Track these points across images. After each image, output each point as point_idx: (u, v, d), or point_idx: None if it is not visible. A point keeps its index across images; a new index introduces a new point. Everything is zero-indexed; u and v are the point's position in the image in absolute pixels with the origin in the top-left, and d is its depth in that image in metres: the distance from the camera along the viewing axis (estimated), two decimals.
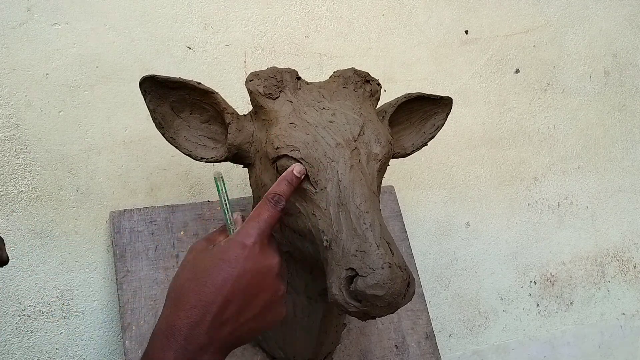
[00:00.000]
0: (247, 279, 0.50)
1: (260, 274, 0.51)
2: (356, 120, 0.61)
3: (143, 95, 0.63)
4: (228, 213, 0.60)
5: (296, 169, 0.57)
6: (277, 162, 0.60)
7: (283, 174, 0.57)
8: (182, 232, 0.81)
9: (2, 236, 0.55)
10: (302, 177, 0.57)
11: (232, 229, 0.58)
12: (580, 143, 1.25)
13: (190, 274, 0.51)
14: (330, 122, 0.60)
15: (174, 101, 0.65)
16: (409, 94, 0.72)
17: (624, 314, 1.28)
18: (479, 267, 1.13)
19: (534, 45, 1.20)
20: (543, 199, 1.20)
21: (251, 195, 0.70)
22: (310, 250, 0.60)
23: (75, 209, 0.82)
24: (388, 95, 0.94)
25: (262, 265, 0.51)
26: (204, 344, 0.48)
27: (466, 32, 1.13)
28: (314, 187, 0.58)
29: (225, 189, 0.61)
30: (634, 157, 1.32)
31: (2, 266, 0.54)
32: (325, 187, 0.57)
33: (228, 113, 0.64)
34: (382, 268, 0.52)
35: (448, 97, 0.76)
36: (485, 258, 1.13)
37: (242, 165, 0.68)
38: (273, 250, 0.54)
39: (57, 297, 0.80)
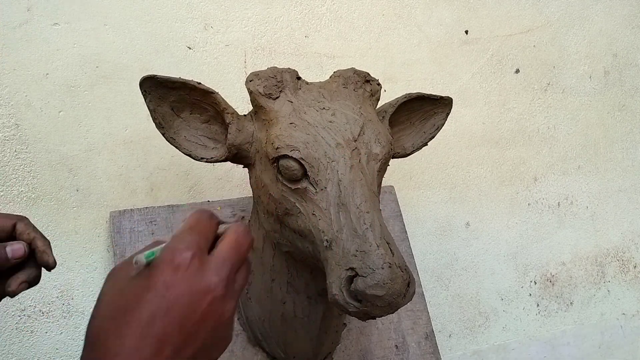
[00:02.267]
0: (180, 308, 0.38)
1: (198, 300, 0.39)
2: (356, 120, 0.61)
3: (143, 95, 0.63)
4: None
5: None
6: (278, 162, 0.59)
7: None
8: None
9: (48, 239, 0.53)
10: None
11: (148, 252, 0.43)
12: (580, 143, 1.25)
13: (108, 310, 0.39)
14: (331, 122, 0.60)
15: (174, 101, 0.65)
16: (409, 94, 0.72)
17: (624, 314, 1.28)
18: (479, 267, 1.13)
19: (534, 45, 1.20)
20: (543, 199, 1.20)
21: (251, 195, 0.70)
22: (310, 250, 0.60)
23: (75, 209, 0.82)
24: (388, 95, 0.94)
25: (199, 287, 0.39)
26: None
27: (466, 32, 1.13)
28: (314, 187, 0.58)
29: None
30: (634, 157, 1.32)
31: (49, 270, 0.52)
32: (326, 187, 0.57)
33: (228, 113, 0.64)
34: (382, 268, 0.52)
35: (448, 97, 0.76)
36: (485, 258, 1.13)
37: (242, 165, 0.68)
38: (215, 265, 0.40)
39: (57, 297, 0.80)
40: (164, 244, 0.41)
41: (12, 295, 0.50)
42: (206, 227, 0.42)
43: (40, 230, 0.76)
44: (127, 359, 0.37)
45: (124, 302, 0.39)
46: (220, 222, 0.44)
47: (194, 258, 0.39)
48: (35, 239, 0.52)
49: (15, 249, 0.50)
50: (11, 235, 0.52)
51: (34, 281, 0.52)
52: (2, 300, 0.71)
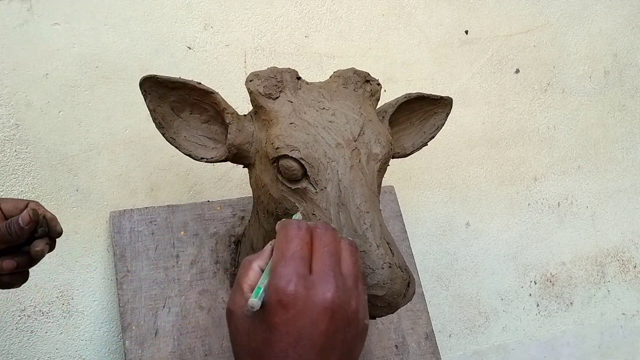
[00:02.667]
0: (308, 336, 0.41)
1: (319, 321, 0.41)
2: (356, 120, 0.61)
3: (143, 96, 0.63)
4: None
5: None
6: (278, 162, 0.59)
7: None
8: (182, 232, 0.81)
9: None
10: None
11: (256, 290, 0.43)
12: (580, 143, 1.25)
13: (246, 352, 0.43)
14: (330, 122, 0.60)
15: (174, 101, 0.65)
16: (409, 94, 0.72)
17: (624, 314, 1.28)
18: (479, 267, 1.13)
19: (534, 45, 1.20)
20: (543, 199, 1.20)
21: (251, 195, 0.70)
22: None
23: (75, 209, 0.82)
24: (388, 95, 0.94)
25: (315, 313, 0.41)
26: None
27: (466, 32, 1.13)
28: (314, 187, 0.58)
29: None
30: (634, 157, 1.32)
31: (56, 237, 0.59)
32: (325, 187, 0.57)
33: (228, 113, 0.64)
34: (382, 268, 0.52)
35: (448, 97, 0.76)
36: (485, 258, 1.13)
37: (242, 166, 0.68)
38: (319, 279, 0.42)
39: (57, 297, 0.80)
40: (267, 279, 0.42)
41: (39, 255, 0.57)
42: (297, 246, 0.43)
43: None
44: None
45: (255, 344, 0.42)
46: (309, 227, 0.45)
47: (297, 290, 0.41)
48: (44, 211, 0.59)
49: (23, 215, 0.56)
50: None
51: (52, 246, 0.59)
52: (2, 300, 0.72)
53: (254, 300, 0.41)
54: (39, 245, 0.57)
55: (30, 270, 0.79)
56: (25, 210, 0.56)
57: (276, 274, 0.42)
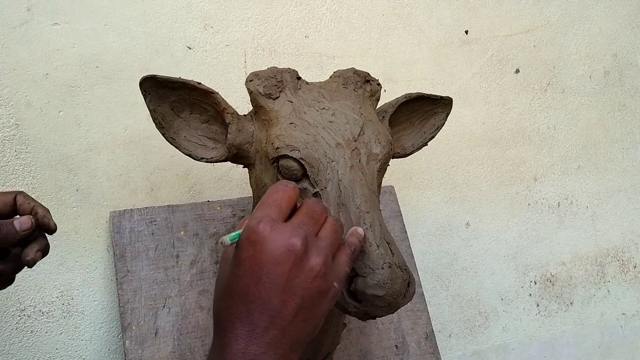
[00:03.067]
0: (267, 274, 0.44)
1: (280, 262, 0.44)
2: (356, 120, 0.61)
3: (143, 95, 0.63)
4: None
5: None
6: (278, 162, 0.59)
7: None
8: (182, 232, 0.81)
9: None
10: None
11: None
12: (580, 143, 1.25)
13: (219, 291, 0.47)
14: (331, 122, 0.60)
15: (174, 101, 0.65)
16: (409, 94, 0.72)
17: (624, 314, 1.28)
18: (479, 267, 1.13)
19: (534, 45, 1.20)
20: (543, 199, 1.20)
21: (251, 195, 0.70)
22: None
23: (75, 209, 0.82)
24: (388, 95, 0.94)
25: (278, 253, 0.44)
26: (255, 355, 0.44)
27: (466, 32, 1.13)
28: (314, 187, 0.58)
29: None
30: (634, 157, 1.32)
31: (50, 234, 0.56)
32: (325, 187, 0.57)
33: (228, 113, 0.64)
34: (382, 268, 0.52)
35: (448, 97, 0.76)
36: (485, 258, 1.13)
37: (242, 166, 0.68)
38: (290, 228, 0.46)
39: (57, 297, 0.80)
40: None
41: (31, 264, 0.53)
42: (278, 198, 0.48)
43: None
44: (238, 322, 0.44)
45: (226, 281, 0.46)
46: (295, 187, 0.50)
47: (264, 229, 0.45)
48: (35, 207, 0.55)
49: (23, 221, 0.53)
50: (13, 209, 0.55)
51: (45, 250, 0.56)
52: (2, 300, 0.71)
53: (224, 238, 0.45)
54: (30, 253, 0.53)
55: (30, 270, 0.79)
56: (27, 216, 0.53)
57: (252, 216, 0.47)
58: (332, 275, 0.47)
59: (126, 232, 0.79)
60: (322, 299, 0.47)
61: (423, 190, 1.08)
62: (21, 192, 0.56)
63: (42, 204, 0.74)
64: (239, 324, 0.44)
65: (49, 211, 0.56)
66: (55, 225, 0.56)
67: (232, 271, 0.46)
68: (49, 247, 0.56)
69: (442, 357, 0.92)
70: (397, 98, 0.72)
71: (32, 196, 0.79)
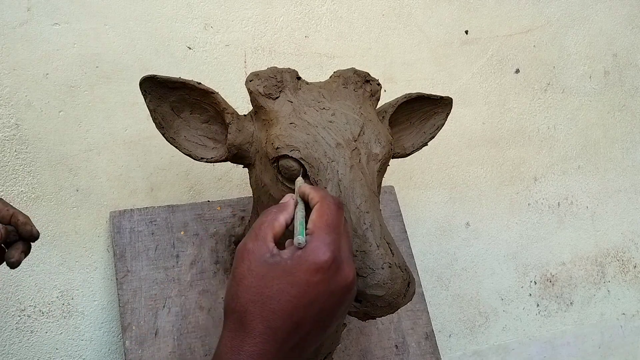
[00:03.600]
0: (320, 304, 0.44)
1: (335, 295, 0.45)
2: (356, 120, 0.61)
3: (143, 96, 0.63)
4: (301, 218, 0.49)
5: None
6: (278, 162, 0.59)
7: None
8: (182, 232, 0.81)
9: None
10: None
11: (301, 230, 0.47)
12: (580, 143, 1.25)
13: (253, 295, 0.45)
14: (330, 122, 0.60)
15: (174, 101, 0.65)
16: (409, 94, 0.72)
17: (624, 314, 1.28)
18: (479, 267, 1.13)
19: (534, 45, 1.20)
20: (543, 199, 1.20)
21: (251, 195, 0.70)
22: None
23: (75, 209, 0.82)
24: (388, 95, 0.94)
25: (337, 287, 0.45)
26: None
27: (466, 32, 1.13)
28: None
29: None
30: (634, 157, 1.32)
31: (34, 241, 0.55)
32: (325, 187, 0.57)
33: (228, 113, 0.64)
34: (382, 268, 0.52)
35: (448, 97, 0.76)
36: (485, 258, 1.13)
37: (242, 165, 0.68)
38: (349, 261, 0.46)
39: (57, 297, 0.80)
40: (308, 233, 0.46)
41: (15, 265, 0.53)
42: (339, 223, 0.47)
43: (40, 230, 0.76)
44: (270, 337, 0.43)
45: (268, 291, 0.44)
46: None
47: (333, 263, 0.44)
48: (14, 214, 0.54)
49: None
50: None
51: (27, 250, 0.55)
52: (2, 300, 0.71)
53: (300, 238, 0.45)
54: (14, 254, 0.53)
55: (30, 270, 0.79)
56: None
57: (319, 236, 0.45)
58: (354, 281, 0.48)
59: (126, 232, 0.79)
60: (346, 306, 0.48)
61: (423, 190, 1.08)
62: (1, 200, 0.55)
63: (42, 204, 0.74)
64: (269, 338, 0.44)
65: (29, 218, 0.55)
66: (38, 232, 0.55)
67: (281, 287, 0.44)
68: (30, 248, 0.56)
69: (442, 357, 0.92)
70: (397, 98, 0.72)
71: (32, 196, 0.79)
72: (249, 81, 0.64)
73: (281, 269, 0.44)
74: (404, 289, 0.53)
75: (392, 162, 0.67)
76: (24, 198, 0.79)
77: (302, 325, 0.44)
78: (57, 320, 0.80)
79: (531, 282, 1.18)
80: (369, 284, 0.52)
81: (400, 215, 0.96)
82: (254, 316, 0.44)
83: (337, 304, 0.46)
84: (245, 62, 0.94)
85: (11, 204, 0.78)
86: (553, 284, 1.20)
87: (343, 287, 0.45)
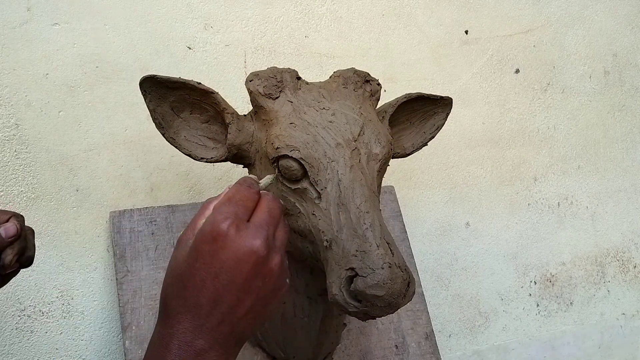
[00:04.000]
0: (227, 272, 0.44)
1: (243, 262, 0.44)
2: (356, 120, 0.61)
3: (143, 96, 0.63)
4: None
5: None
6: (278, 162, 0.59)
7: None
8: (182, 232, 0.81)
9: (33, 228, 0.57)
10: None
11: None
12: (580, 143, 1.25)
13: (170, 279, 0.46)
14: (330, 122, 0.60)
15: (174, 101, 0.65)
16: (409, 94, 0.72)
17: (624, 314, 1.28)
18: (479, 267, 1.13)
19: (534, 45, 1.20)
20: (543, 199, 1.20)
21: None
22: (310, 250, 0.60)
23: (75, 209, 0.82)
24: (388, 95, 0.94)
25: (241, 252, 0.44)
26: (204, 349, 0.44)
27: (466, 32, 1.13)
28: (314, 187, 0.58)
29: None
30: (634, 157, 1.32)
31: (27, 265, 0.56)
32: (325, 187, 0.57)
33: (228, 113, 0.64)
34: (382, 268, 0.52)
35: (448, 97, 0.76)
36: (485, 258, 1.13)
37: (242, 165, 0.68)
38: (254, 229, 0.46)
39: (57, 297, 0.80)
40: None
41: (5, 269, 0.53)
42: (244, 197, 0.48)
43: (40, 230, 0.77)
44: (187, 315, 0.44)
45: (180, 269, 0.45)
46: (259, 191, 0.50)
47: (231, 227, 0.45)
48: (12, 217, 0.55)
49: (7, 227, 0.53)
50: None
51: (26, 261, 0.56)
52: (2, 300, 0.71)
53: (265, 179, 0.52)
54: (7, 257, 0.53)
55: (30, 270, 0.79)
56: (13, 223, 0.53)
57: (217, 210, 0.46)
58: (285, 273, 0.48)
59: (126, 232, 0.79)
60: (275, 297, 0.48)
61: (423, 190, 1.08)
62: (18, 215, 0.56)
63: (42, 204, 0.74)
64: (189, 316, 0.44)
65: (33, 232, 0.56)
66: (33, 254, 0.56)
67: (189, 262, 0.45)
68: (32, 259, 0.57)
69: (442, 357, 0.92)
70: (397, 98, 0.72)
71: (32, 196, 0.79)
72: (249, 81, 0.64)
73: (190, 247, 0.46)
74: (404, 289, 0.53)
75: (392, 162, 0.67)
76: (24, 198, 0.79)
77: (220, 297, 0.44)
78: (57, 320, 0.80)
79: (531, 282, 1.18)
80: (369, 284, 0.52)
81: (400, 215, 0.96)
82: (172, 297, 0.45)
83: (249, 274, 0.45)
84: (245, 62, 0.94)
85: (11, 204, 0.78)
86: (553, 284, 1.20)
87: (247, 252, 0.44)
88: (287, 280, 0.49)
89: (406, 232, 0.96)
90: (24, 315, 0.78)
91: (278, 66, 0.65)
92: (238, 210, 0.46)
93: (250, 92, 0.64)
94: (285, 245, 0.50)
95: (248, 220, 0.47)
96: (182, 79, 0.63)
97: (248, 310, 0.46)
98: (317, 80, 0.68)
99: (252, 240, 0.45)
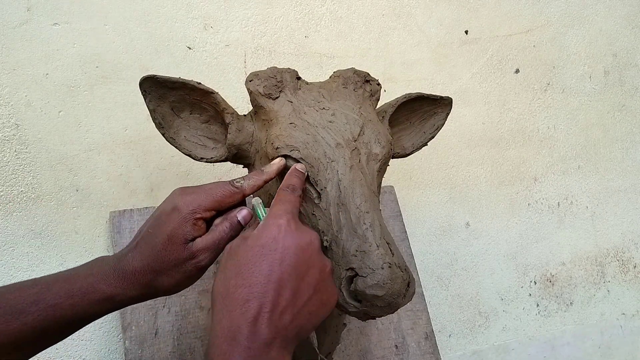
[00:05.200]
0: (291, 257, 0.47)
1: (303, 250, 0.48)
2: (356, 120, 0.61)
3: (143, 96, 0.63)
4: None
5: (298, 165, 0.57)
6: None
7: (289, 170, 0.57)
8: None
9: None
10: (305, 173, 0.57)
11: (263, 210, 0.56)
12: (580, 143, 1.25)
13: (232, 272, 0.48)
14: (330, 122, 0.60)
15: (174, 101, 0.65)
16: (408, 94, 0.72)
17: (624, 314, 1.28)
18: (479, 267, 1.13)
19: (534, 45, 1.20)
20: (543, 199, 1.20)
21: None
22: None
23: (75, 209, 0.82)
24: (388, 95, 0.94)
25: (302, 241, 0.49)
26: (268, 339, 0.45)
27: (466, 32, 1.13)
28: (314, 187, 0.58)
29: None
30: (634, 157, 1.32)
31: None
32: (325, 187, 0.57)
33: (228, 113, 0.64)
34: (382, 268, 0.52)
35: (448, 97, 0.76)
36: (485, 258, 1.13)
37: (242, 165, 0.68)
38: (307, 227, 0.51)
39: None
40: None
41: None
42: (292, 199, 0.53)
43: (40, 230, 0.76)
44: (256, 302, 0.45)
45: (245, 259, 0.48)
46: (300, 195, 0.55)
47: (290, 221, 0.50)
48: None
49: (245, 215, 0.56)
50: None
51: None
52: None
53: (256, 200, 0.56)
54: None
55: (30, 270, 0.79)
56: (247, 209, 0.57)
57: (273, 210, 0.52)
58: (331, 267, 0.51)
59: (126, 232, 0.79)
60: (328, 298, 0.50)
61: (423, 190, 1.08)
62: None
63: (42, 204, 0.74)
64: (256, 303, 0.45)
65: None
66: None
67: (253, 252, 0.48)
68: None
69: (442, 357, 0.92)
70: (397, 98, 0.72)
71: (32, 196, 0.79)
72: (248, 81, 0.64)
73: (251, 240, 0.49)
74: (403, 289, 0.53)
75: (392, 162, 0.67)
76: (24, 198, 0.79)
77: (285, 283, 0.46)
78: None
79: (531, 282, 1.18)
80: (369, 284, 0.52)
81: (400, 215, 0.96)
82: (235, 287, 0.47)
83: (308, 261, 0.48)
84: (245, 62, 0.94)
85: (11, 204, 0.78)
86: (553, 284, 1.20)
87: (308, 242, 0.49)
88: (337, 293, 0.52)
89: (406, 232, 0.96)
90: None
91: (278, 66, 0.65)
92: (292, 209, 0.52)
93: (250, 92, 0.64)
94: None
95: None
96: (182, 79, 0.63)
97: (306, 301, 0.48)
98: (317, 80, 0.68)
99: (309, 233, 0.50)
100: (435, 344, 0.90)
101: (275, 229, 0.49)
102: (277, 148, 0.59)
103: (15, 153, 0.79)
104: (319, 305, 0.49)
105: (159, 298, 0.77)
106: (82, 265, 0.55)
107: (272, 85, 0.63)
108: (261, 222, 0.51)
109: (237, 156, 0.66)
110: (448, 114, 0.77)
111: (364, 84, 0.66)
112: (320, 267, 0.49)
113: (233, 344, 0.44)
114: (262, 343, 0.44)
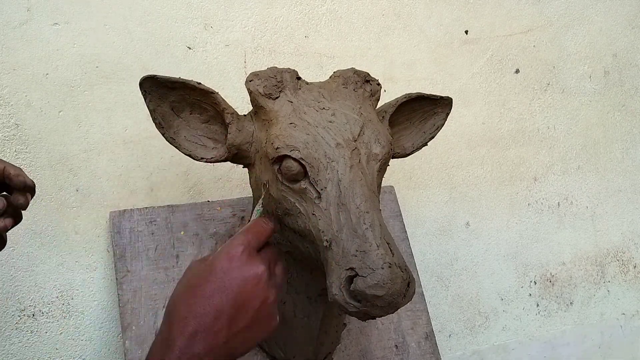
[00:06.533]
0: (233, 288, 0.52)
1: (247, 282, 0.52)
2: (356, 120, 0.61)
3: (143, 96, 0.63)
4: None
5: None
6: (279, 163, 0.59)
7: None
8: (182, 232, 0.81)
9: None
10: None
11: None
12: (580, 143, 1.25)
13: (182, 288, 0.53)
14: (330, 122, 0.60)
15: (174, 101, 0.65)
16: (409, 94, 0.72)
17: (624, 314, 1.28)
18: (479, 267, 1.13)
19: (534, 45, 1.20)
20: (543, 199, 1.20)
21: (251, 195, 0.70)
22: (310, 250, 0.60)
23: (75, 209, 0.82)
24: (388, 95, 0.94)
25: (248, 273, 0.53)
26: (201, 353, 0.49)
27: (466, 32, 1.13)
28: (314, 187, 0.58)
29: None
30: (634, 157, 1.32)
31: (33, 192, 0.56)
32: (325, 187, 0.57)
33: (228, 113, 0.64)
34: (382, 268, 0.52)
35: (448, 97, 0.76)
36: (485, 258, 1.13)
37: (242, 165, 0.68)
38: (260, 259, 0.54)
39: (57, 297, 0.80)
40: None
41: (24, 207, 0.56)
42: (260, 231, 0.57)
43: (40, 230, 0.77)
44: (194, 320, 0.50)
45: (193, 280, 0.53)
46: (273, 228, 0.59)
47: (244, 252, 0.54)
48: (5, 167, 0.55)
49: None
50: None
51: (18, 217, 0.57)
52: (2, 300, 0.71)
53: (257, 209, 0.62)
54: (20, 198, 0.55)
55: (30, 270, 0.79)
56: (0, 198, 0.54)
57: (235, 237, 0.55)
58: (276, 310, 0.56)
59: (126, 232, 0.79)
60: (266, 325, 0.54)
61: (423, 190, 1.08)
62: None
63: (42, 204, 0.74)
64: (194, 322, 0.50)
65: (21, 169, 0.56)
66: (33, 181, 0.56)
67: (204, 275, 0.53)
68: (20, 217, 0.58)
69: (442, 357, 0.92)
70: (397, 98, 0.72)
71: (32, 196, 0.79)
72: (248, 81, 0.64)
73: (206, 264, 0.54)
74: (403, 288, 0.53)
75: (392, 162, 0.67)
76: None
77: (223, 309, 0.51)
78: (57, 320, 0.80)
79: (531, 282, 1.18)
80: (369, 284, 0.52)
81: (400, 215, 0.96)
82: (180, 303, 0.52)
83: (250, 293, 0.52)
84: (245, 62, 0.94)
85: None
86: (553, 284, 1.20)
87: (254, 275, 0.53)
88: (277, 318, 0.56)
89: (406, 232, 0.96)
90: (24, 315, 0.78)
91: (278, 66, 0.65)
92: (252, 240, 0.55)
93: (250, 92, 0.64)
94: (282, 286, 0.58)
95: (258, 251, 0.55)
96: (182, 79, 0.63)
97: (242, 328, 0.52)
98: (317, 80, 0.68)
99: (259, 266, 0.53)
100: (435, 344, 0.90)
101: (227, 259, 0.53)
102: (277, 148, 0.59)
103: (15, 153, 0.79)
104: (255, 332, 0.53)
105: (159, 298, 0.77)
106: None
107: (272, 85, 0.63)
108: (220, 248, 0.55)
109: (237, 156, 0.66)
110: (448, 113, 0.77)
111: (364, 84, 0.66)
112: (263, 298, 0.53)
113: (167, 352, 0.49)
114: (195, 355, 0.49)
